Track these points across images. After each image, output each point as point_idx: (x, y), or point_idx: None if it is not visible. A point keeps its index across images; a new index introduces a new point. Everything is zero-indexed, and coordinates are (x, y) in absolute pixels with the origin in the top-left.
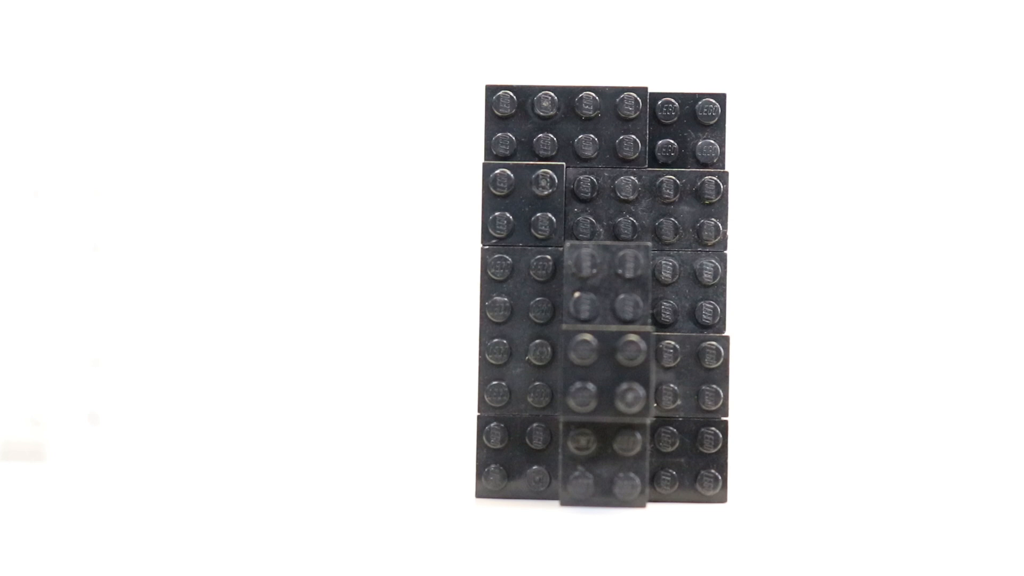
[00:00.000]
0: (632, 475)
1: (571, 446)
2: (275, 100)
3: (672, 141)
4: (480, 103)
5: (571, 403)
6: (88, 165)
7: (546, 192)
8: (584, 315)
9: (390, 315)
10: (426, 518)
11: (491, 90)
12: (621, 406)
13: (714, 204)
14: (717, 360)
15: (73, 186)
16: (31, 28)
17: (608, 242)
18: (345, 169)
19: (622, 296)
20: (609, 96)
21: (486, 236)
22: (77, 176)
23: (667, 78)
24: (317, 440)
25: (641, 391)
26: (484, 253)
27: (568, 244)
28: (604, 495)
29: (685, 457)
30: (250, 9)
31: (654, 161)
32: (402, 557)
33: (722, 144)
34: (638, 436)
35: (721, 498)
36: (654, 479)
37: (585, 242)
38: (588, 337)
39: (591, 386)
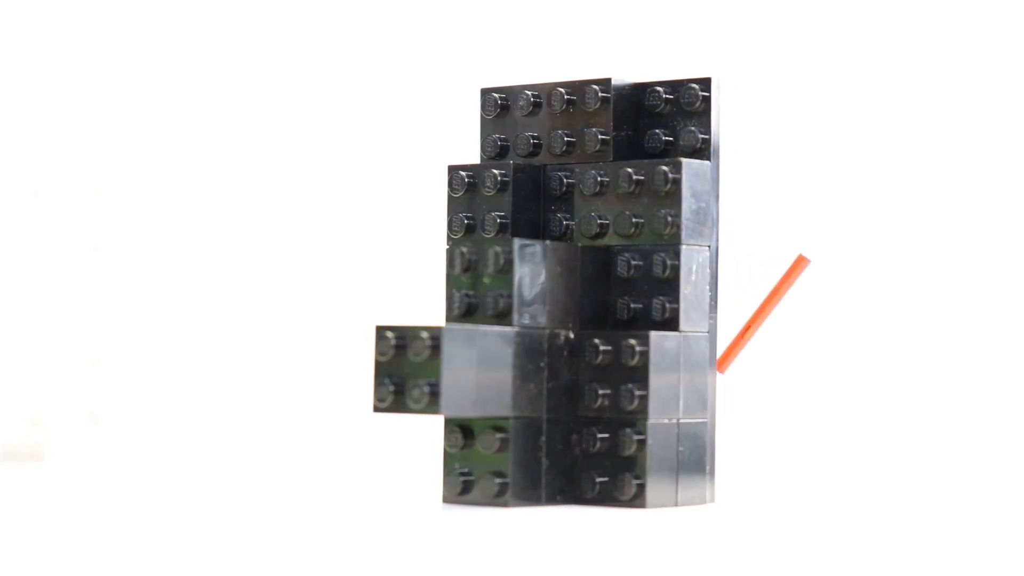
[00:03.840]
0: (492, 474)
1: (446, 443)
2: (276, 101)
3: (659, 131)
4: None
5: (373, 398)
6: (88, 165)
7: (491, 192)
8: (458, 312)
9: (373, 316)
10: (390, 521)
11: (484, 92)
12: (409, 402)
13: (666, 195)
14: (633, 358)
15: (73, 186)
16: (31, 28)
17: (485, 238)
18: (345, 171)
19: (487, 294)
20: (576, 90)
21: (448, 237)
22: (77, 176)
23: (684, 70)
24: (305, 438)
25: (426, 388)
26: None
27: (449, 243)
28: (468, 493)
29: (610, 460)
30: (250, 11)
31: (643, 153)
32: (351, 559)
33: (708, 131)
34: (497, 435)
35: (639, 503)
36: (577, 481)
37: (464, 239)
38: (388, 334)
39: (388, 382)
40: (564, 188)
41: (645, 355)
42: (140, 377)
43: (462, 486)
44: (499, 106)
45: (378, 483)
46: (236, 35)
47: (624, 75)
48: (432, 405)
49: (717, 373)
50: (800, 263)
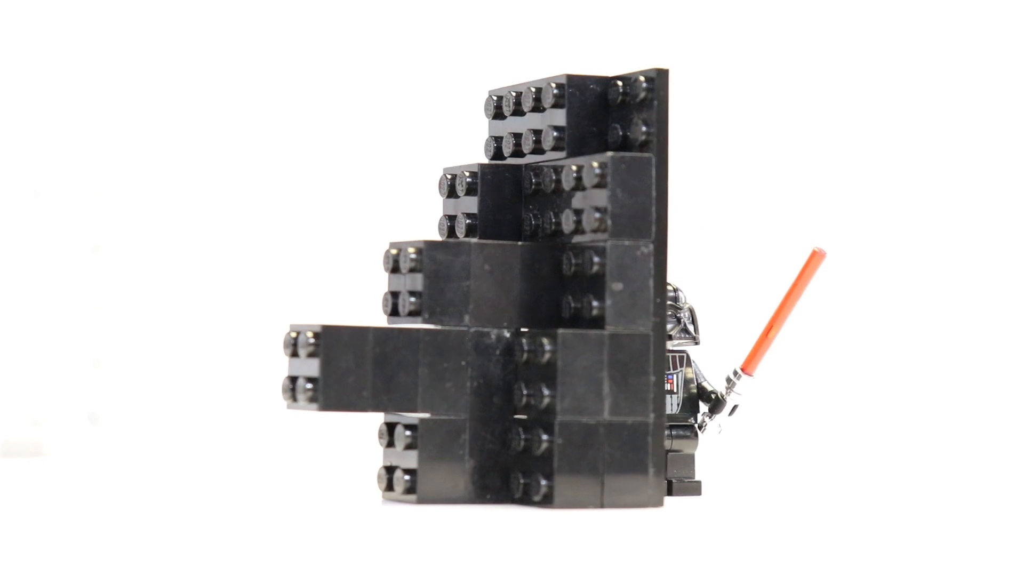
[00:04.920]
0: (403, 471)
1: (377, 439)
2: (279, 104)
3: (616, 125)
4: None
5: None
6: (88, 165)
7: (462, 194)
8: (387, 312)
9: (373, 316)
10: (331, 517)
11: (489, 94)
12: (298, 397)
13: (595, 190)
14: (542, 356)
15: (73, 186)
16: (31, 28)
17: (408, 241)
18: (343, 173)
19: (400, 293)
20: (539, 88)
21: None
22: (77, 176)
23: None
24: (300, 435)
25: (308, 384)
26: None
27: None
28: (392, 490)
29: (529, 459)
30: (251, 13)
31: (608, 149)
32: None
33: (651, 124)
34: (408, 432)
35: (547, 503)
36: (506, 481)
37: (398, 241)
38: (293, 333)
39: (289, 379)
40: (533, 187)
41: (554, 354)
42: (140, 377)
43: (387, 482)
44: (496, 107)
45: (344, 478)
46: (237, 36)
47: (609, 71)
48: (313, 402)
49: (745, 375)
50: (816, 257)
